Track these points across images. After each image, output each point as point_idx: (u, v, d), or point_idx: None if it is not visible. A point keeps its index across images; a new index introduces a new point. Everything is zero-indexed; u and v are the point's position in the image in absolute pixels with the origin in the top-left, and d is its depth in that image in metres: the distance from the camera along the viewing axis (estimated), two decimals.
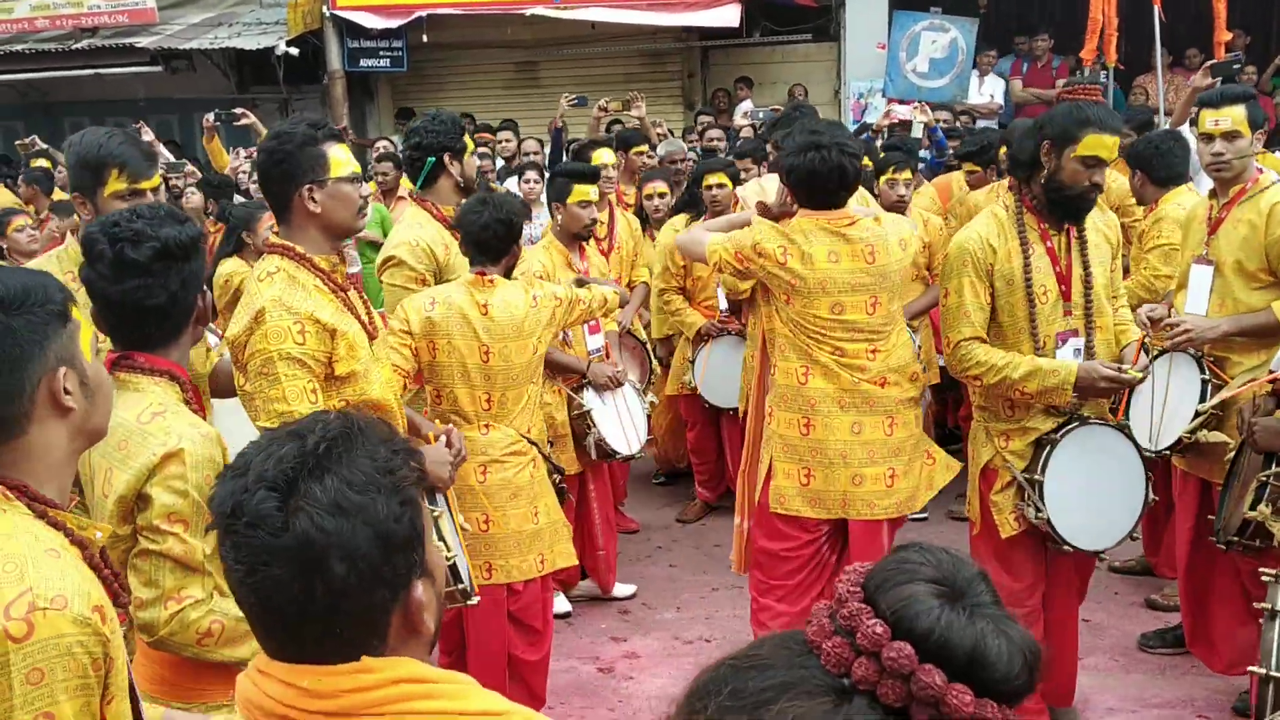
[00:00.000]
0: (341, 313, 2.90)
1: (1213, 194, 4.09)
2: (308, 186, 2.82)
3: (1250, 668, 2.49)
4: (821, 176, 3.57)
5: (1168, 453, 4.18)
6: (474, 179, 4.29)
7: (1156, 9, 8.01)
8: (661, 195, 6.26)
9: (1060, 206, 3.53)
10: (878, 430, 3.72)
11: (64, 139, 10.75)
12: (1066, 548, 3.59)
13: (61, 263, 3.06)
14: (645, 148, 7.16)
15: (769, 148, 4.95)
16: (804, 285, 3.62)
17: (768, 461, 3.88)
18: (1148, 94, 10.65)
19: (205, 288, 2.41)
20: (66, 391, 1.63)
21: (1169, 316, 4.06)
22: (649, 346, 5.88)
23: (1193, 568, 4.21)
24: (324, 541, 1.14)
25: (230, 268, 5.57)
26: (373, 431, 1.23)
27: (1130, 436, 3.73)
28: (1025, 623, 4.33)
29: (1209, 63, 7.65)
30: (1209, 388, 3.98)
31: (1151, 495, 3.69)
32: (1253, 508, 3.37)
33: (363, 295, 3.13)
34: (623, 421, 4.95)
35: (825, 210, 3.64)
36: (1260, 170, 3.99)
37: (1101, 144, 3.38)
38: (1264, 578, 2.75)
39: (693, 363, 5.83)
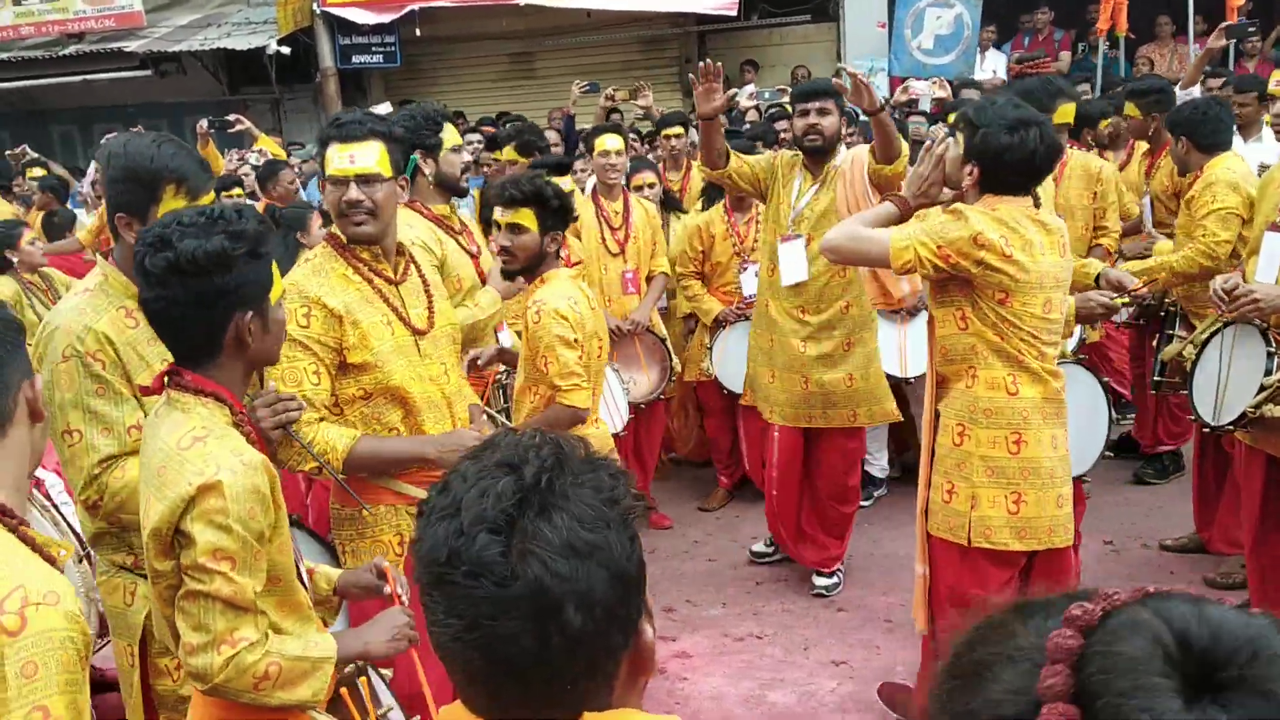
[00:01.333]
0: (367, 303, 2.91)
1: None
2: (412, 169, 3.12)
3: None
4: (1036, 157, 3.20)
5: (1231, 428, 4.06)
6: (456, 176, 4.17)
7: None
8: (650, 185, 6.18)
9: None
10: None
11: (53, 147, 10.64)
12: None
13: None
14: (680, 129, 6.99)
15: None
16: (1026, 280, 3.19)
17: (967, 491, 3.30)
18: (1152, 63, 10.55)
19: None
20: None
21: (1242, 285, 3.93)
22: (668, 343, 5.78)
23: (1260, 545, 4.09)
24: (559, 588, 1.01)
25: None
26: (580, 452, 1.09)
27: (1089, 368, 4.07)
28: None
29: (1223, 25, 7.56)
30: (1275, 360, 3.86)
31: (1114, 414, 4.08)
32: None
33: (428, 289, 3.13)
34: (606, 404, 4.95)
35: (1016, 196, 3.24)
36: None
37: (1069, 111, 3.93)
38: None
39: (710, 349, 5.78)
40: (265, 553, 2.02)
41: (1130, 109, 5.71)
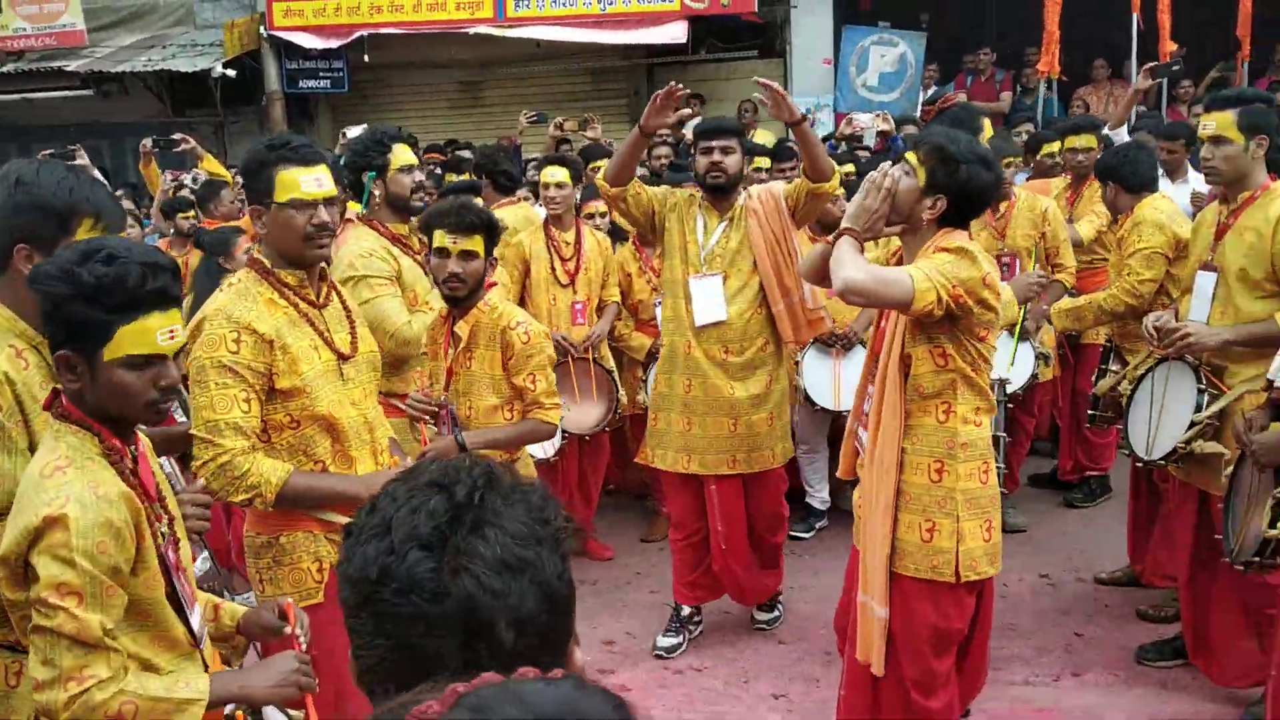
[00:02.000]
0: (294, 326, 2.88)
1: (1223, 200, 4.04)
2: (257, 209, 2.90)
3: None
4: (990, 194, 3.24)
5: (1163, 462, 4.14)
6: (405, 195, 4.18)
7: (1135, 17, 8.21)
8: (602, 214, 6.19)
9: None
10: None
11: None
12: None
13: None
14: (604, 163, 7.02)
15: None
16: (1000, 315, 3.24)
17: (951, 527, 3.21)
18: (1088, 105, 10.79)
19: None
20: None
21: (1174, 323, 4.02)
22: (615, 375, 5.77)
23: (1193, 579, 4.16)
24: (491, 605, 0.99)
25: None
26: (508, 475, 1.08)
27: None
28: None
29: (1148, 65, 7.77)
30: (1206, 397, 3.95)
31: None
32: (1272, 526, 3.30)
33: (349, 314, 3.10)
34: None
35: (963, 230, 3.23)
36: (1274, 177, 3.94)
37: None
38: None
39: (645, 382, 5.74)
40: (123, 588, 1.97)
41: (1088, 140, 5.94)
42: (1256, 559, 3.36)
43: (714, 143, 4.53)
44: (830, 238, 3.22)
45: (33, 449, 2.33)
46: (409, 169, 4.23)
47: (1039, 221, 5.53)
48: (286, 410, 2.87)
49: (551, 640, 1.04)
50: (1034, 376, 5.56)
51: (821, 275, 3.38)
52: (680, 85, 4.33)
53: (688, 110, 4.58)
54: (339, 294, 3.08)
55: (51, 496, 1.93)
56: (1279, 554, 3.32)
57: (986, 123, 4.00)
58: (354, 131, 7.79)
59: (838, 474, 3.66)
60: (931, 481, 3.19)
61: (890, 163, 3.25)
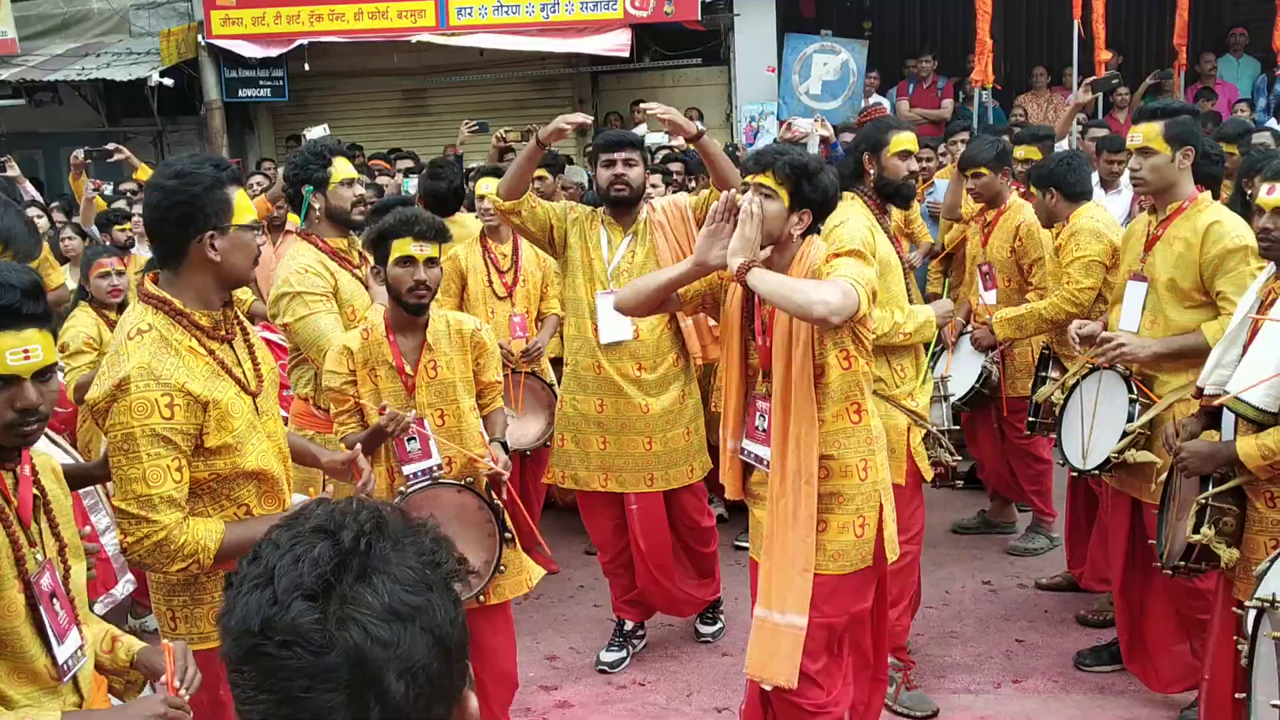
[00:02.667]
0: (216, 377, 2.66)
1: (1151, 210, 4.09)
2: (210, 234, 2.60)
3: (1272, 702, 2.41)
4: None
5: (1096, 472, 4.18)
6: (345, 209, 4.15)
7: (1076, 25, 8.34)
8: None
9: (891, 199, 4.15)
10: None
11: None
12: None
13: None
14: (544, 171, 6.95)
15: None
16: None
17: (875, 517, 3.30)
18: (1027, 113, 10.93)
19: None
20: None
21: (1102, 332, 4.06)
22: (554, 389, 5.72)
23: (1127, 586, 4.20)
24: (380, 655, 0.95)
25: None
26: (398, 518, 1.04)
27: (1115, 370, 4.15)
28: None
29: (1088, 79, 7.89)
30: (1137, 407, 3.99)
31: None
32: (1195, 531, 3.34)
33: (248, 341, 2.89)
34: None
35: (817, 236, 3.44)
36: (1200, 189, 3.98)
37: (906, 139, 4.09)
38: (1252, 604, 2.70)
39: None
40: None
41: (1030, 151, 5.89)
42: (1183, 563, 3.40)
43: (616, 155, 4.48)
44: (735, 280, 3.18)
45: None
46: (349, 183, 4.17)
47: (1009, 237, 5.39)
48: (210, 468, 2.65)
49: (444, 688, 1.01)
50: (979, 389, 5.41)
51: (650, 307, 3.47)
52: (588, 119, 4.43)
53: (588, 119, 4.50)
54: (238, 319, 2.86)
55: None
56: (1204, 559, 3.35)
57: (900, 136, 4.08)
58: (314, 133, 7.68)
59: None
60: (861, 479, 3.28)
61: (743, 189, 3.34)
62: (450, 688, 1.02)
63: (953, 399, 5.14)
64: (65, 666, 2.07)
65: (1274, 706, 2.35)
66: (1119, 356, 3.90)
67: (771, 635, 3.24)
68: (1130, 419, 3.96)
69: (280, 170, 7.33)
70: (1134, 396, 3.99)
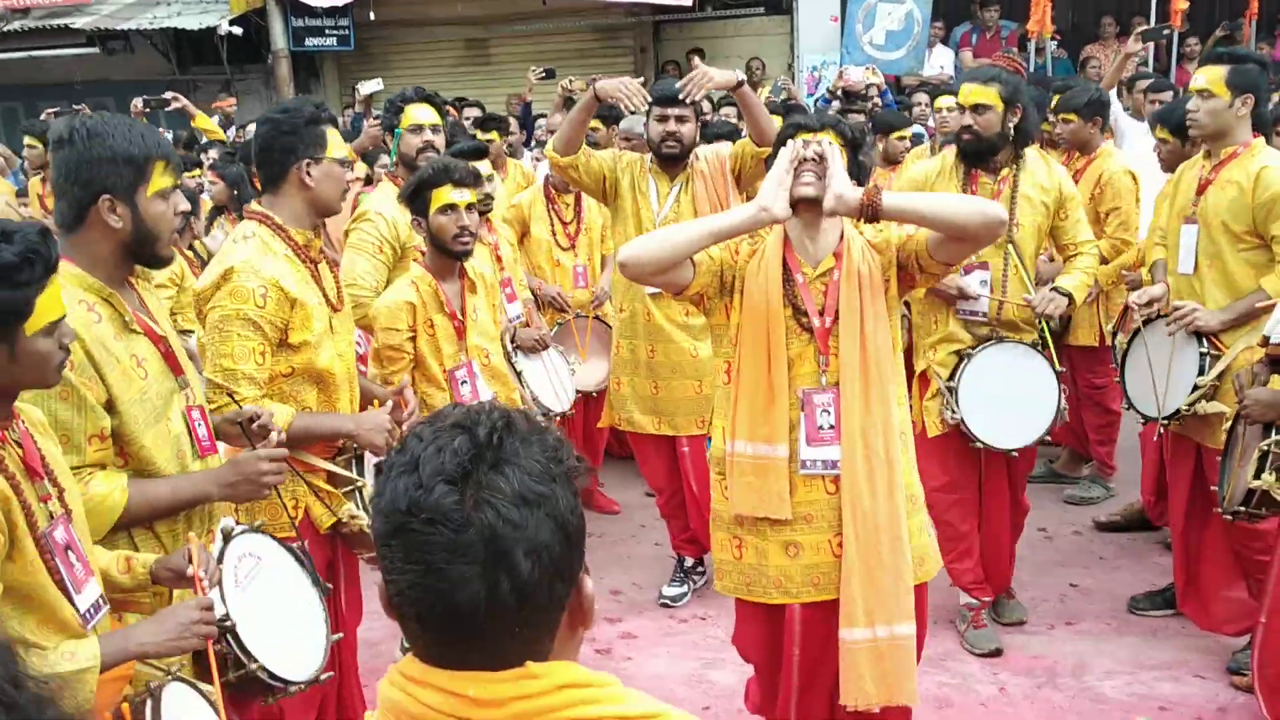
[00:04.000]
0: (306, 284, 3.04)
1: (1206, 154, 4.12)
2: (306, 161, 3.02)
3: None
4: None
5: (1165, 422, 4.17)
6: (410, 155, 4.38)
7: None
8: None
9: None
10: None
11: None
12: (978, 444, 4.06)
13: None
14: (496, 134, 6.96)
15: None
16: None
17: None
18: (1096, 63, 10.78)
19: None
20: None
21: (1160, 297, 4.10)
22: None
23: (1187, 530, 4.26)
24: (510, 535, 1.08)
25: None
26: (524, 420, 1.17)
27: (1042, 353, 4.14)
28: (958, 511, 3.98)
29: (1139, 30, 7.79)
30: (1208, 360, 4.01)
31: (1064, 406, 4.12)
32: (1256, 476, 3.40)
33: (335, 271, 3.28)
34: (552, 381, 5.10)
35: None
36: (1256, 136, 4.01)
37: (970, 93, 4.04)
38: None
39: None
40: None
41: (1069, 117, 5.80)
42: (1243, 508, 3.46)
43: (670, 111, 4.52)
44: (849, 212, 2.82)
45: (111, 404, 2.39)
46: (416, 128, 4.34)
47: (1093, 183, 5.32)
48: (289, 362, 3.01)
49: (564, 568, 1.14)
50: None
51: (672, 262, 2.87)
52: (645, 97, 4.41)
53: (645, 97, 4.53)
54: (323, 250, 3.20)
55: None
56: (1264, 504, 3.41)
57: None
58: (367, 87, 7.83)
59: (758, 513, 2.95)
60: (914, 475, 3.04)
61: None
62: (570, 569, 1.15)
63: None
64: (87, 615, 2.13)
65: None
66: (1190, 325, 3.94)
67: (882, 655, 2.87)
68: (1201, 371, 3.98)
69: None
70: (1204, 350, 4.01)
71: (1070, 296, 4.06)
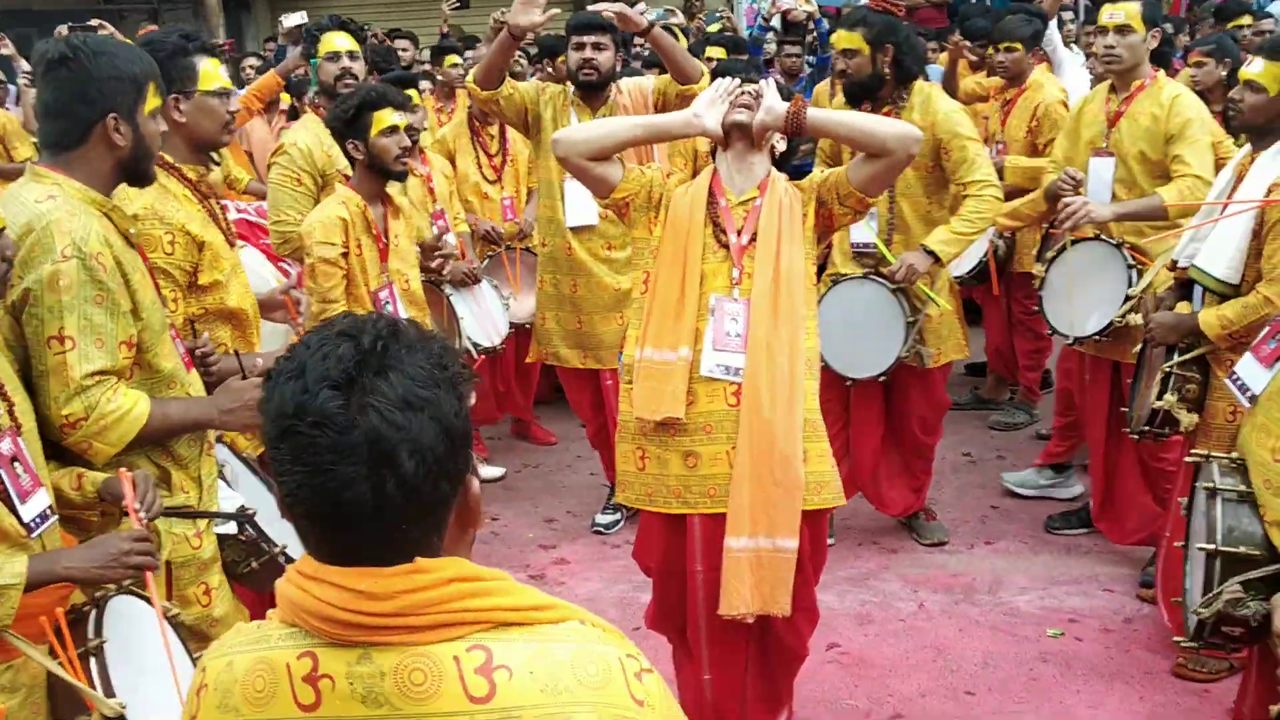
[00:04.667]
0: (207, 223, 2.99)
1: (1113, 88, 4.24)
2: (174, 97, 2.89)
3: (1198, 545, 2.60)
4: None
5: (1097, 338, 4.24)
6: (329, 84, 4.42)
7: None
8: None
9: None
10: None
11: None
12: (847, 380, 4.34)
13: None
14: (457, 58, 6.95)
15: None
16: None
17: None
18: None
19: None
20: None
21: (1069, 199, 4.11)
22: None
23: (1107, 449, 4.41)
24: (394, 437, 1.13)
25: None
26: (413, 329, 1.21)
27: (886, 285, 4.24)
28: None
29: None
30: (1134, 272, 4.10)
31: (910, 351, 4.27)
32: (1159, 397, 3.52)
33: (222, 203, 3.27)
34: (482, 319, 5.15)
35: None
36: (1157, 70, 4.15)
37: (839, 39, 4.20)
38: (1190, 459, 2.87)
39: None
40: None
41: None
42: (1148, 428, 3.60)
43: (586, 38, 4.53)
44: (778, 128, 2.96)
45: (135, 311, 2.46)
46: (332, 55, 4.37)
47: (1029, 114, 5.40)
48: (201, 303, 2.98)
49: (449, 469, 1.19)
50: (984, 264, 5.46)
51: (603, 152, 3.00)
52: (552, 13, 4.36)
53: (554, 10, 4.50)
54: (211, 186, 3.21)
55: None
56: (1167, 424, 3.54)
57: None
58: (290, 20, 7.67)
59: (656, 415, 2.95)
60: (819, 405, 3.03)
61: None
62: (455, 470, 1.20)
63: (962, 275, 5.30)
64: (32, 525, 2.18)
65: (1200, 549, 2.55)
66: (1084, 217, 3.99)
67: (762, 563, 2.89)
68: (1130, 283, 4.08)
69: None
70: (1131, 263, 4.11)
71: (935, 255, 4.09)
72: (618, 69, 4.65)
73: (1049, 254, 4.56)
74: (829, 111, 2.99)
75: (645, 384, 2.97)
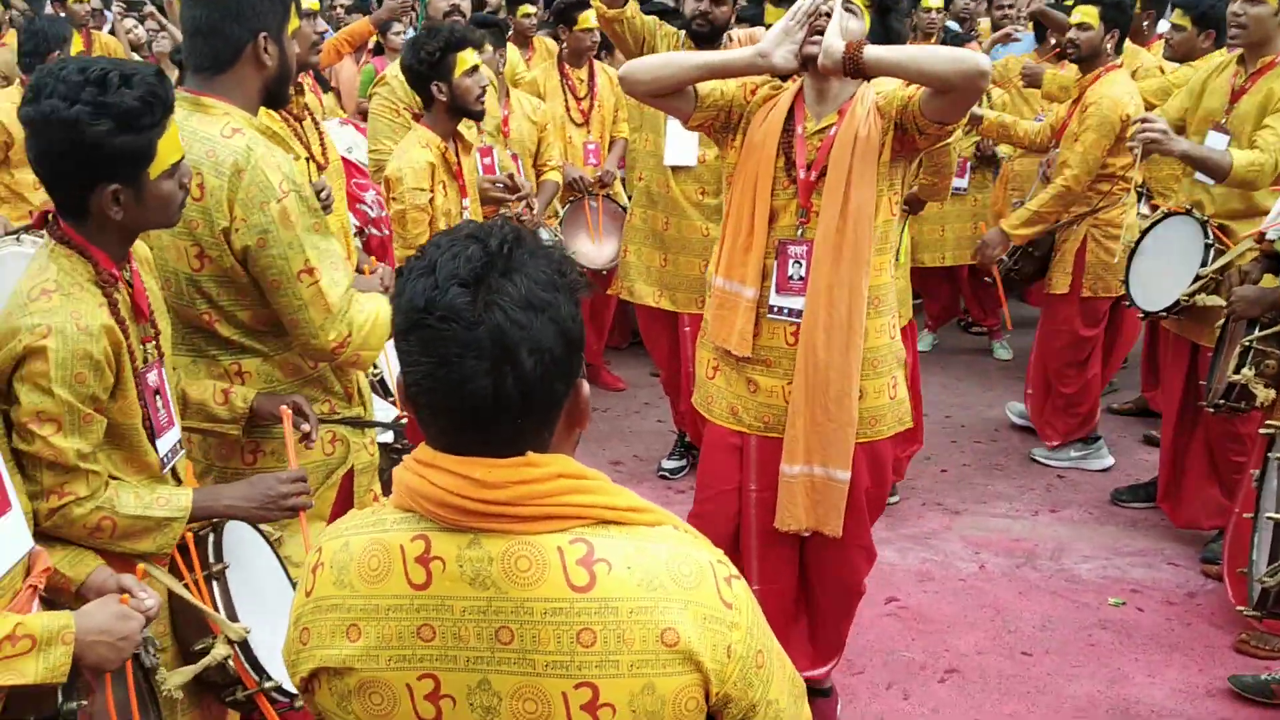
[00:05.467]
0: (294, 143, 3.09)
1: (1241, 60, 4.08)
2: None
3: (1267, 514, 2.60)
4: None
5: (1164, 314, 4.24)
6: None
7: None
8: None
9: None
10: None
11: None
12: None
13: None
14: (532, 8, 6.80)
15: None
16: None
17: (901, 376, 3.12)
18: None
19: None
20: None
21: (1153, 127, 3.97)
22: (628, 211, 5.86)
23: (1178, 430, 4.38)
24: (516, 334, 1.19)
25: None
26: (534, 238, 1.28)
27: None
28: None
29: None
30: (1212, 251, 4.05)
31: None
32: (1236, 371, 3.50)
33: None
34: None
35: None
36: None
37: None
38: (1264, 430, 2.86)
39: None
40: (100, 414, 2.06)
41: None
42: (1223, 401, 3.57)
43: None
44: (831, 70, 2.77)
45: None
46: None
47: None
48: None
49: (564, 370, 1.26)
50: None
51: (671, 84, 2.92)
52: None
53: None
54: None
55: (35, 323, 1.99)
56: (1243, 398, 3.51)
57: None
58: None
59: (726, 345, 3.03)
60: (891, 338, 3.03)
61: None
62: (569, 371, 1.27)
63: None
64: (165, 459, 2.27)
65: (1269, 518, 2.56)
66: (1154, 140, 3.87)
67: (815, 488, 2.99)
68: (1204, 264, 4.04)
69: None
70: (1209, 241, 4.05)
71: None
72: (731, 21, 4.63)
73: (1143, 225, 4.52)
74: (887, 49, 2.75)
75: (718, 311, 3.02)
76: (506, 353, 1.19)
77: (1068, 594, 4.05)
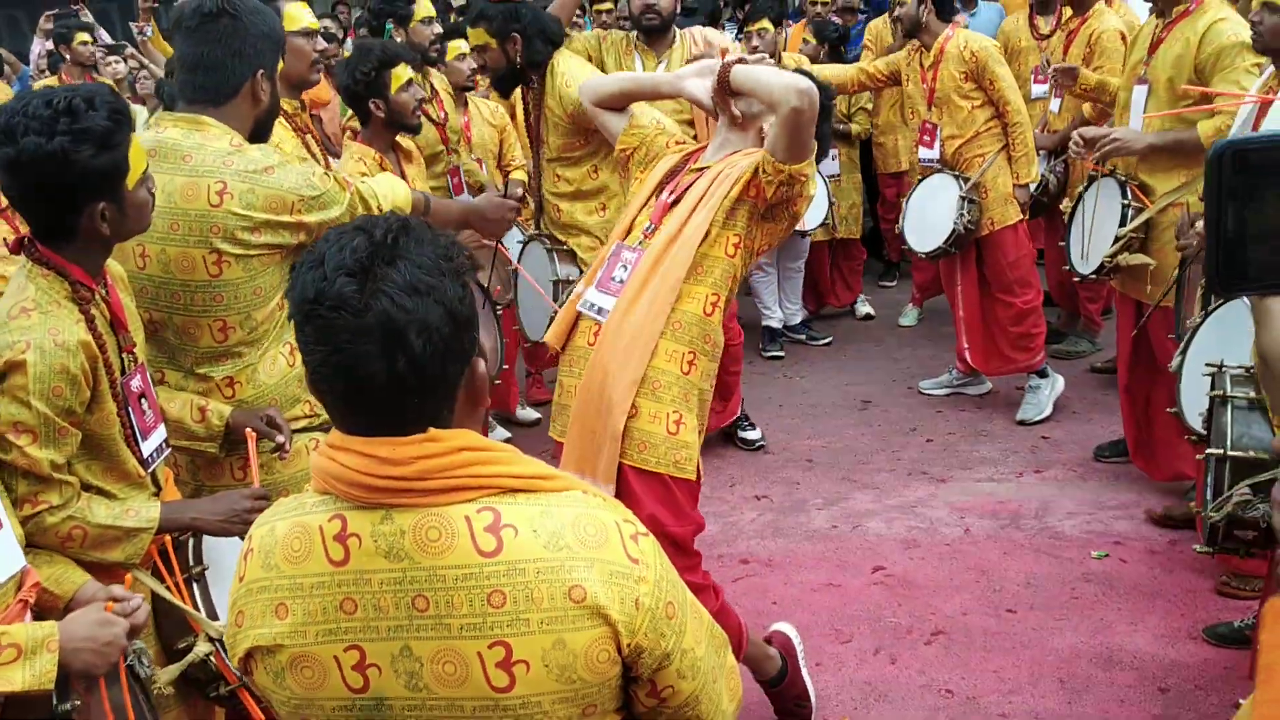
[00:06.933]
0: (305, 157, 3.15)
1: (1159, 12, 4.15)
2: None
3: (1209, 450, 2.66)
4: None
5: (1094, 276, 4.36)
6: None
7: None
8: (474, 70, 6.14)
9: None
10: None
11: None
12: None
13: None
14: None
15: None
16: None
17: (694, 424, 2.92)
18: None
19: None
20: None
21: (1099, 130, 4.16)
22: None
23: (1132, 385, 4.42)
24: (403, 318, 1.27)
25: None
26: (424, 227, 1.37)
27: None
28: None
29: None
30: (1130, 210, 4.15)
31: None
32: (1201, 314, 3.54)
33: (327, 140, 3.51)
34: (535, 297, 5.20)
35: None
36: None
37: None
38: (1205, 370, 2.92)
39: None
40: (76, 427, 2.16)
41: None
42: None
43: None
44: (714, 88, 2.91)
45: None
46: (427, 21, 4.87)
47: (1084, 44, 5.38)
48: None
49: (455, 350, 1.34)
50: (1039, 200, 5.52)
51: (615, 102, 3.15)
52: None
53: None
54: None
55: (14, 339, 2.08)
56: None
57: None
58: None
59: (545, 338, 3.05)
60: (682, 373, 2.86)
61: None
62: (460, 350, 1.35)
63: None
64: (149, 459, 2.38)
65: (1210, 454, 2.62)
66: (1114, 150, 4.01)
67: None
68: (1123, 223, 4.12)
69: None
70: (1127, 201, 4.14)
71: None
72: (676, 10, 4.70)
73: (1079, 189, 4.60)
74: (749, 68, 2.82)
75: (564, 310, 3.03)
76: (395, 336, 1.27)
77: (1052, 551, 4.12)
